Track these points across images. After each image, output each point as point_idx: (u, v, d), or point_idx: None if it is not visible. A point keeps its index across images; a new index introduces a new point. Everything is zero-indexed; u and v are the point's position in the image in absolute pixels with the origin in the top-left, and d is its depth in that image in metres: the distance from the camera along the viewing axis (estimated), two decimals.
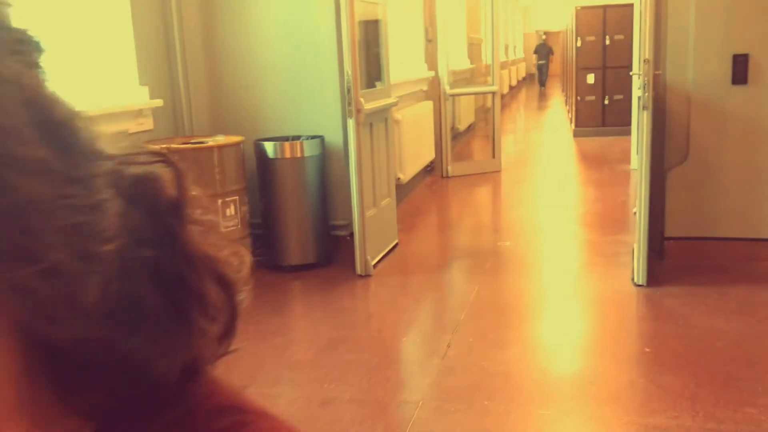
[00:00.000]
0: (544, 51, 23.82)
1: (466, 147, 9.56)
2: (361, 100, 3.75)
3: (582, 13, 9.28)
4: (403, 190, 5.97)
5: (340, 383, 2.60)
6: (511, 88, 20.40)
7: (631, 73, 4.10)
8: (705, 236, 3.87)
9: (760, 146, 3.74)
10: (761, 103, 3.71)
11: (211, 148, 3.66)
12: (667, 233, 3.92)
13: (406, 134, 5.76)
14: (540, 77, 23.68)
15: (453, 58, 9.99)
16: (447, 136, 7.16)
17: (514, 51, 24.48)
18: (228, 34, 4.30)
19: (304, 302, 3.60)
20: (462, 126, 9.53)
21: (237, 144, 3.79)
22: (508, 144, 9.69)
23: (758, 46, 3.67)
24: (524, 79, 27.77)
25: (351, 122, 3.74)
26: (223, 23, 4.29)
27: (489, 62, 7.73)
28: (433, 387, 2.58)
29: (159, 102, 3.93)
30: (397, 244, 4.52)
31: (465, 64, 10.48)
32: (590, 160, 7.83)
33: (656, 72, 3.66)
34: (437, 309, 3.40)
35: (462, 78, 10.02)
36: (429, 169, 7.15)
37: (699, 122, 3.80)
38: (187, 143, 3.72)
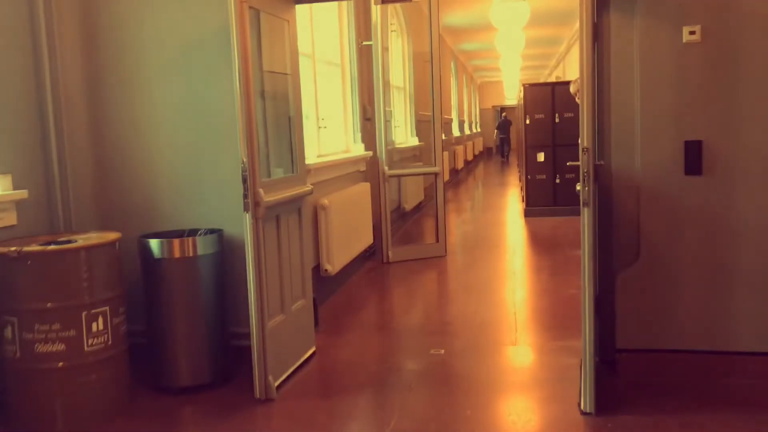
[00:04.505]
0: (505, 126, 25.89)
1: (414, 227, 9.06)
2: (261, 191, 3.20)
3: (530, 90, 9.02)
4: (333, 282, 5.39)
5: None
6: (467, 162, 20.22)
7: (568, 164, 3.63)
8: (662, 348, 3.35)
9: (719, 244, 3.27)
10: (718, 196, 3.25)
11: (76, 250, 3.04)
12: (619, 345, 3.38)
13: (335, 221, 5.21)
14: (502, 150, 25.77)
15: (399, 136, 9.63)
16: (387, 219, 6.66)
17: (469, 127, 24.63)
18: (117, 115, 3.75)
19: None
20: (409, 206, 9.07)
21: (111, 243, 3.19)
22: (457, 224, 9.23)
23: (713, 132, 3.24)
24: (481, 153, 27.94)
25: (247, 217, 3.18)
26: (112, 102, 3.74)
27: (443, 137, 7.32)
28: None
29: (23, 193, 3.32)
30: (314, 353, 3.90)
31: (412, 141, 10.12)
32: (541, 244, 7.37)
33: (598, 162, 3.20)
34: None
35: (410, 155, 9.62)
36: (369, 254, 6.61)
37: (650, 217, 3.32)
38: (50, 243, 3.10)
